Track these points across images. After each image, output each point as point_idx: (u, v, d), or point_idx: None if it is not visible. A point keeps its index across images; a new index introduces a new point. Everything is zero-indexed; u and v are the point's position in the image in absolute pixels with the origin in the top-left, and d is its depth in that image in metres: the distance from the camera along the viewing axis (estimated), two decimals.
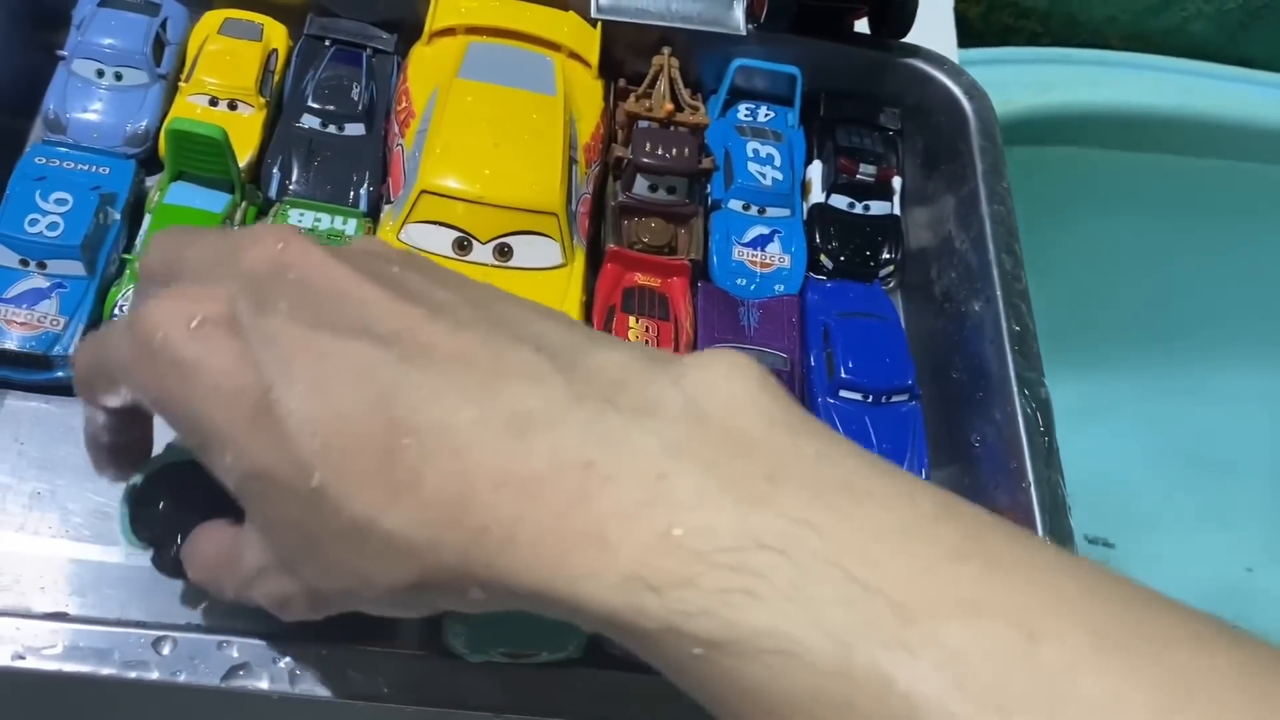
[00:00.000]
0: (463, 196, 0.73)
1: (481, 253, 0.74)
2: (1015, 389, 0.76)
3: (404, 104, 0.80)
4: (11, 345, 0.69)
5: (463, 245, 0.74)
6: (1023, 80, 1.16)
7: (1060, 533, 0.70)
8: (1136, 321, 1.35)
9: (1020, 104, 1.14)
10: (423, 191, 0.73)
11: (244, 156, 0.80)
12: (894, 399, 0.80)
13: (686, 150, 0.82)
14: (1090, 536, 1.29)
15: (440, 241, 0.74)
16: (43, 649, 0.55)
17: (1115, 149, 1.21)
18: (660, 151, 0.81)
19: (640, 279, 0.81)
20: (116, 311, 0.71)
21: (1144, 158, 1.22)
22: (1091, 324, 1.32)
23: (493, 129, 0.76)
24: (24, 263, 0.71)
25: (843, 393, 0.79)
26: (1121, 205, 1.24)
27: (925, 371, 0.84)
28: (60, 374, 0.70)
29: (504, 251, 0.74)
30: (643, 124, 0.85)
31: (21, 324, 0.69)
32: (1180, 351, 1.38)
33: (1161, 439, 1.37)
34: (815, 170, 0.91)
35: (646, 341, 0.75)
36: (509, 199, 0.74)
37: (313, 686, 0.55)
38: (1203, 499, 1.34)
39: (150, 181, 0.79)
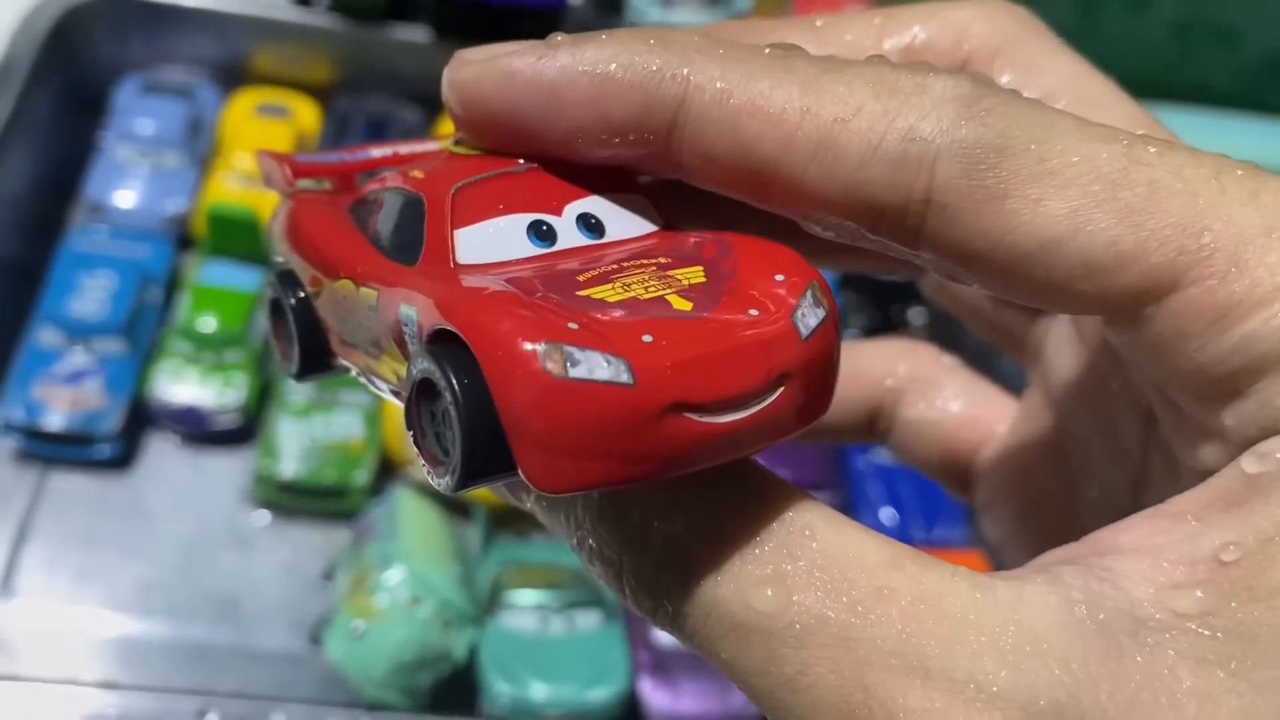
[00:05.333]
0: None
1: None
2: None
3: None
4: (57, 425, 0.71)
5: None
6: None
7: None
8: None
9: None
10: None
11: None
12: None
13: None
14: None
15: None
16: (97, 715, 0.56)
17: None
18: None
19: None
20: (157, 389, 0.73)
21: None
22: None
23: None
24: (68, 341, 0.73)
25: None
26: None
27: None
28: (107, 449, 0.72)
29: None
30: None
31: (66, 402, 0.71)
32: None
33: None
34: None
35: None
36: None
37: None
38: None
39: (185, 259, 0.81)
